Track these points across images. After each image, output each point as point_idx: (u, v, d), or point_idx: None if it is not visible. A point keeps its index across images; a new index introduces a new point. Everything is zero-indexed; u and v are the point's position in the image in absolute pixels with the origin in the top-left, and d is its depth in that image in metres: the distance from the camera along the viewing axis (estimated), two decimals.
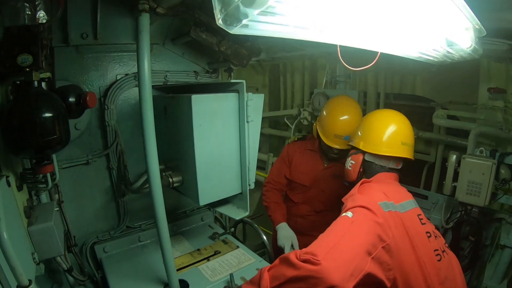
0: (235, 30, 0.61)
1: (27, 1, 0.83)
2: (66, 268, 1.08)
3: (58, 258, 1.04)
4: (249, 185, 1.40)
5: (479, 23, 0.99)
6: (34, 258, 0.92)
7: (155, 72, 1.65)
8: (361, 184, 1.29)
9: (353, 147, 1.47)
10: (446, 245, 1.29)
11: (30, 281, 0.73)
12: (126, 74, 1.57)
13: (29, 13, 0.84)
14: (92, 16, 1.38)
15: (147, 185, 1.27)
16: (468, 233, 1.99)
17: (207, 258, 1.59)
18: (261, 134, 4.40)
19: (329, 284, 0.91)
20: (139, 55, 1.00)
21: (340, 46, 1.31)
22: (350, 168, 1.45)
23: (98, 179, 1.59)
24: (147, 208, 1.73)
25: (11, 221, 0.81)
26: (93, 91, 1.49)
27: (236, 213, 1.40)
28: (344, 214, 1.12)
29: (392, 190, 1.26)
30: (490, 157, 1.90)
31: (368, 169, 1.41)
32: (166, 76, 1.67)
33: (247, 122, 1.32)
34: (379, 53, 1.08)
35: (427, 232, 1.22)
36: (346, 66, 1.15)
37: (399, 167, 1.41)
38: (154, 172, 1.08)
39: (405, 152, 1.37)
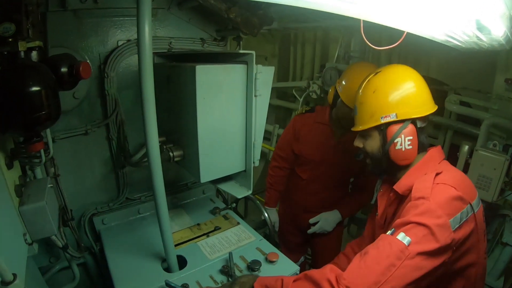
0: None
1: None
2: (61, 246, 1.07)
3: (53, 237, 1.02)
4: (253, 162, 1.35)
5: None
6: (26, 239, 0.89)
7: (159, 38, 1.55)
8: (434, 178, 1.04)
9: (395, 122, 1.12)
10: None
11: (14, 275, 0.69)
12: (128, 40, 1.47)
13: None
14: None
15: (147, 159, 1.22)
16: None
17: (207, 234, 1.58)
18: (269, 104, 4.25)
19: None
20: (139, 19, 0.90)
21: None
22: (410, 147, 1.10)
23: (97, 150, 1.55)
24: (147, 180, 1.65)
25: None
26: (93, 58, 1.43)
27: (239, 191, 1.37)
28: (398, 235, 0.92)
29: (464, 185, 1.05)
30: (503, 152, 1.83)
31: (422, 141, 1.14)
32: (170, 43, 1.57)
33: (255, 96, 1.24)
34: (405, 33, 0.96)
35: (484, 230, 1.11)
36: (369, 45, 1.03)
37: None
38: (153, 147, 1.03)
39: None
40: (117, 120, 1.51)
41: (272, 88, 4.28)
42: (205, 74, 1.12)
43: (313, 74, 3.37)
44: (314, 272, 0.94)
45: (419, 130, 1.11)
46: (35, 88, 0.79)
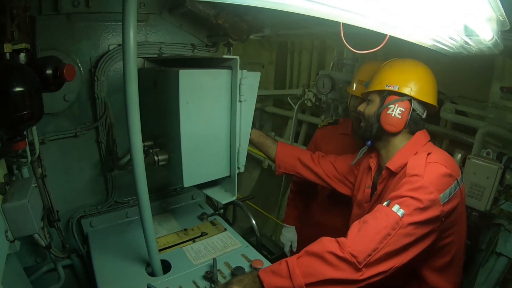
0: None
1: None
2: (44, 245, 1.09)
3: (36, 235, 1.04)
4: (238, 168, 1.37)
5: (504, 15, 0.90)
6: (7, 236, 0.92)
7: (150, 43, 1.60)
8: (426, 157, 1.19)
9: (392, 93, 1.30)
10: None
11: None
12: (119, 45, 1.51)
13: None
14: None
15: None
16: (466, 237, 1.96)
17: (193, 239, 1.59)
18: (265, 112, 4.31)
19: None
20: (124, 23, 0.94)
21: (347, 26, 1.21)
22: (399, 116, 1.26)
23: (86, 153, 1.58)
24: (131, 184, 1.72)
25: None
26: (84, 62, 1.47)
27: (223, 196, 1.39)
28: (393, 207, 1.05)
29: (452, 163, 1.21)
30: (496, 160, 1.83)
31: (413, 120, 1.29)
32: (160, 48, 1.62)
33: (240, 101, 1.27)
34: (387, 36, 0.99)
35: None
36: (349, 48, 1.06)
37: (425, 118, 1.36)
38: (137, 150, 1.06)
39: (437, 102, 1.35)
40: (106, 123, 1.54)
41: (269, 96, 4.35)
42: (188, 78, 1.15)
43: (310, 82, 3.42)
44: (313, 247, 1.04)
45: (412, 111, 1.27)
46: (18, 89, 0.82)
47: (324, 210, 1.93)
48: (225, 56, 1.20)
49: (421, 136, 1.30)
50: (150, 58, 1.59)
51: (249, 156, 3.48)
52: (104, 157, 1.61)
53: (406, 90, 1.26)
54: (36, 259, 1.31)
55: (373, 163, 1.42)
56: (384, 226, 1.01)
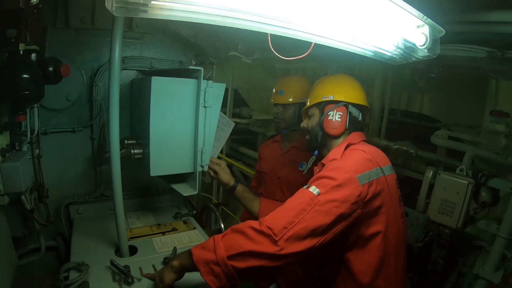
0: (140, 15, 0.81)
1: None
2: (29, 208, 1.38)
3: (23, 197, 1.35)
4: (202, 166, 1.62)
5: (432, 22, 1.07)
6: None
7: (143, 58, 1.96)
8: (346, 148, 1.38)
9: (329, 103, 1.52)
10: None
11: None
12: None
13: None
14: (91, 4, 1.72)
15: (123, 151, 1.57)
16: (438, 256, 2.00)
17: (163, 233, 1.83)
18: (266, 136, 4.47)
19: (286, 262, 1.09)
20: (112, 42, 1.28)
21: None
22: (339, 119, 1.46)
23: (81, 147, 1.91)
24: (123, 181, 2.01)
25: None
26: (87, 69, 1.84)
27: (186, 190, 1.63)
28: (310, 188, 1.17)
29: (376, 153, 1.38)
30: (469, 176, 1.91)
31: (352, 122, 1.50)
32: (151, 63, 1.97)
33: (204, 107, 1.55)
34: (313, 44, 1.14)
35: (399, 196, 1.42)
36: (276, 55, 1.23)
37: (362, 121, 1.58)
38: (114, 143, 1.36)
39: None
40: (100, 123, 1.88)
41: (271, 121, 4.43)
42: (159, 84, 1.45)
43: None
44: (237, 225, 1.16)
45: (350, 114, 1.49)
46: (24, 75, 1.15)
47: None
48: (191, 67, 1.51)
49: (356, 135, 1.49)
50: (143, 71, 1.96)
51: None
52: (95, 153, 1.93)
53: (340, 97, 1.50)
54: (24, 231, 1.60)
55: (317, 169, 1.56)
56: (299, 202, 1.13)
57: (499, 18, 1.23)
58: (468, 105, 2.83)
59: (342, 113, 1.48)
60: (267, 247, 1.06)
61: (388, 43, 1.19)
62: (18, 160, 1.29)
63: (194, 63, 2.17)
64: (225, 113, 3.46)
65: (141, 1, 0.77)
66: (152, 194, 2.17)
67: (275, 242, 1.06)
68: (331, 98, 1.52)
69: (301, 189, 1.22)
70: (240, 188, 1.78)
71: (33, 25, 1.22)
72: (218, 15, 0.87)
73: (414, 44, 1.16)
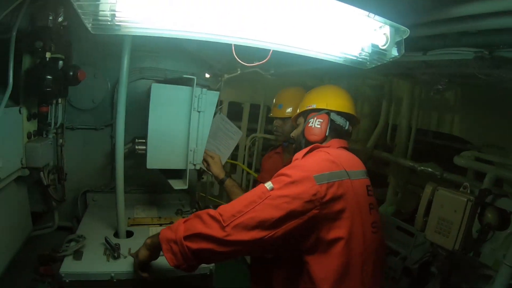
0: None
1: (51, 11, 1.51)
2: (45, 184, 1.70)
3: (41, 174, 1.68)
4: (194, 165, 1.83)
5: (393, 23, 1.14)
6: (21, 160, 1.57)
7: (158, 69, 2.28)
8: (311, 149, 1.44)
9: (312, 111, 1.62)
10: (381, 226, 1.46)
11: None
12: (135, 68, 2.22)
13: (51, 18, 1.51)
14: None
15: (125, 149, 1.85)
16: (436, 282, 1.90)
17: (160, 224, 2.04)
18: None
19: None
20: (122, 53, 1.57)
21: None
22: (319, 126, 1.54)
23: (101, 143, 2.24)
24: (136, 177, 2.31)
25: (13, 134, 1.49)
26: (111, 77, 2.18)
27: (177, 184, 1.84)
28: (267, 183, 1.23)
29: (345, 157, 1.41)
30: (473, 194, 1.79)
31: (334, 130, 1.57)
32: (166, 73, 2.27)
33: (198, 112, 1.78)
34: (271, 51, 1.25)
35: (370, 204, 1.40)
36: (239, 61, 1.36)
37: (350, 130, 1.64)
38: (119, 140, 1.63)
39: (356, 114, 1.67)
40: None
41: None
42: (158, 89, 1.71)
43: None
44: (200, 211, 1.24)
45: (331, 121, 1.55)
46: (47, 76, 1.49)
47: None
48: (185, 76, 1.75)
49: (334, 141, 1.54)
50: (158, 81, 2.27)
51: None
52: (113, 149, 2.25)
53: (322, 105, 1.59)
54: (43, 208, 1.94)
55: None
56: (252, 195, 1.21)
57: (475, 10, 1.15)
58: (501, 125, 2.67)
59: (322, 120, 1.56)
60: (216, 231, 1.15)
61: (353, 48, 1.25)
62: (39, 142, 1.64)
63: (207, 75, 2.44)
64: (256, 130, 3.69)
65: (108, 22, 1.00)
66: (160, 191, 2.42)
67: (223, 228, 1.15)
68: (313, 106, 1.64)
69: (259, 185, 1.27)
70: (229, 182, 1.94)
71: (58, 39, 1.57)
72: (176, 30, 1.07)
73: (377, 46, 1.22)
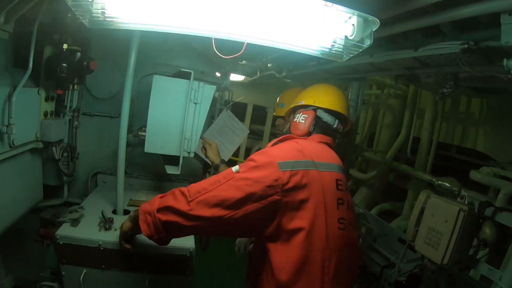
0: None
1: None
2: (56, 158, 1.96)
3: (53, 149, 1.93)
4: (188, 153, 1.98)
5: (360, 13, 1.17)
6: (36, 133, 1.82)
7: (171, 66, 2.47)
8: (283, 139, 1.52)
9: (301, 107, 1.68)
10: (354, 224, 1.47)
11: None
12: (148, 64, 2.44)
13: (70, 15, 1.75)
14: None
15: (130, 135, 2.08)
16: None
17: None
18: None
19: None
20: (130, 48, 1.79)
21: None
22: (302, 121, 1.60)
23: (115, 130, 2.41)
24: (144, 164, 2.52)
25: (31, 110, 1.74)
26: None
27: (171, 169, 2.00)
28: (234, 166, 1.31)
29: (316, 149, 1.44)
30: (462, 201, 1.73)
31: (320, 127, 1.61)
32: (178, 70, 2.46)
33: (195, 103, 1.93)
34: (245, 44, 1.33)
35: (339, 199, 1.38)
36: (218, 54, 1.44)
37: (341, 130, 1.66)
38: (123, 125, 1.86)
39: (348, 114, 1.70)
40: (131, 112, 2.44)
41: None
42: (158, 82, 1.90)
43: None
44: (175, 188, 1.34)
45: (317, 118, 1.60)
46: (63, 64, 1.75)
47: None
48: (183, 70, 1.91)
49: (315, 136, 1.58)
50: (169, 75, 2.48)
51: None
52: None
53: (310, 102, 1.65)
54: (56, 182, 2.20)
55: None
56: (219, 175, 1.29)
57: None
58: None
59: (307, 116, 1.61)
60: (182, 205, 1.26)
61: (326, 40, 1.32)
62: (54, 121, 1.90)
63: (218, 74, 2.61)
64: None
65: (100, 18, 1.19)
66: (166, 180, 2.60)
67: (188, 203, 1.25)
68: (302, 103, 1.70)
69: (229, 168, 1.36)
70: (223, 168, 2.07)
71: (75, 33, 1.82)
72: (157, 25, 1.24)
73: (346, 37, 1.27)
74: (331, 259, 1.30)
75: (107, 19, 1.21)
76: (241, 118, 5.85)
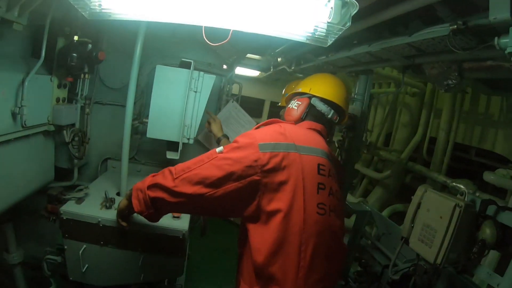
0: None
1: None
2: (66, 141, 2.12)
3: (64, 132, 2.10)
4: (188, 139, 2.08)
5: None
6: (48, 117, 1.98)
7: (179, 57, 2.56)
8: (268, 123, 1.54)
9: (297, 94, 1.72)
10: (338, 212, 1.45)
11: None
12: (158, 55, 2.56)
13: None
14: None
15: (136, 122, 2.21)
16: None
17: None
18: None
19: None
20: (136, 43, 1.91)
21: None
22: (295, 108, 1.64)
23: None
24: (151, 152, 2.65)
25: (43, 96, 1.91)
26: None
27: (171, 154, 2.10)
28: (219, 147, 1.36)
29: (301, 133, 1.45)
30: (472, 202, 1.61)
31: (313, 115, 1.64)
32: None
33: (195, 92, 2.03)
34: (231, 31, 1.37)
35: (320, 183, 1.37)
36: (207, 42, 1.48)
37: (336, 121, 1.67)
38: (128, 112, 2.01)
39: (345, 105, 1.71)
40: (141, 102, 2.58)
41: None
42: (161, 71, 2.02)
43: None
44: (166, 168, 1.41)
45: (311, 106, 1.63)
46: (73, 54, 1.90)
47: None
48: (182, 60, 2.01)
49: (306, 122, 1.61)
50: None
51: None
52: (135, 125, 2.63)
53: (306, 90, 1.68)
54: (68, 165, 2.38)
55: None
56: (203, 155, 1.35)
57: None
58: None
59: (300, 103, 1.65)
60: (168, 182, 1.34)
61: (308, 25, 1.33)
62: (65, 106, 2.06)
63: (225, 67, 2.69)
64: None
65: (97, 10, 1.31)
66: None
67: (173, 180, 1.32)
68: (299, 90, 1.74)
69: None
70: (225, 141, 2.19)
71: (85, 27, 1.97)
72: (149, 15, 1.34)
73: (326, 21, 1.27)
74: (308, 243, 1.29)
75: (103, 11, 1.33)
76: (258, 115, 5.91)
